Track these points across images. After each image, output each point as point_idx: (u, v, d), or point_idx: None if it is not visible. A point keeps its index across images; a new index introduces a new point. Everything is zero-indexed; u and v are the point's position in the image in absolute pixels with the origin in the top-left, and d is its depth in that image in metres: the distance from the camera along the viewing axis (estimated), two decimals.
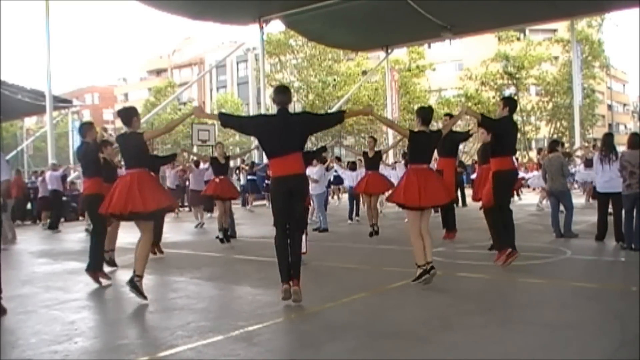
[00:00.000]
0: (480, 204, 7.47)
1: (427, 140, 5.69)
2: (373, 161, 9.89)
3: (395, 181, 16.40)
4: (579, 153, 14.45)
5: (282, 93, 5.13)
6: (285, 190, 4.92)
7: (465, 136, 8.77)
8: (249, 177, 18.14)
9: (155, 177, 5.68)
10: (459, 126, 15.73)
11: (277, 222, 5.03)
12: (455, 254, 7.54)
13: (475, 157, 9.99)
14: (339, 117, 5.34)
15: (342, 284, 5.92)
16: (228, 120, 5.27)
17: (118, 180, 5.57)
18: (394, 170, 15.65)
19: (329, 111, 30.28)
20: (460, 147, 10.15)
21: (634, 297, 4.90)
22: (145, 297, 5.29)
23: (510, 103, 6.58)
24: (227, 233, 9.53)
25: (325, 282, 5.97)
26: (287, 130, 4.92)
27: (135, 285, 5.30)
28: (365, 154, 10.04)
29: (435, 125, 6.13)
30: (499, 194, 6.44)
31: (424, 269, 5.45)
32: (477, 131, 7.95)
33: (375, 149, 10.08)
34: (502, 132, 6.41)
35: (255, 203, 18.40)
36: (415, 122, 5.86)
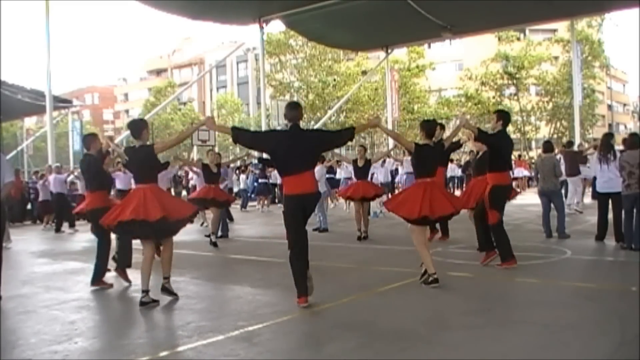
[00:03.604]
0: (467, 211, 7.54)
1: (432, 153, 5.80)
2: (363, 170, 9.82)
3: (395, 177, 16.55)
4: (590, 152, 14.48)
5: (294, 109, 5.10)
6: (300, 208, 4.95)
7: (455, 146, 8.81)
8: (260, 180, 18.14)
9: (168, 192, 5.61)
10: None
11: (293, 241, 4.98)
12: (454, 254, 7.54)
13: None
14: (350, 134, 5.33)
15: (342, 284, 5.92)
16: (240, 135, 5.11)
17: (131, 194, 5.35)
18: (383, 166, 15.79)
19: (329, 111, 30.37)
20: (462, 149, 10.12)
21: (634, 297, 4.90)
22: (157, 302, 5.21)
23: (503, 116, 6.66)
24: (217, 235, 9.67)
25: (325, 282, 5.95)
26: (301, 148, 4.92)
27: (147, 301, 5.19)
28: (355, 162, 9.93)
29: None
30: (495, 208, 6.48)
31: (435, 277, 5.50)
32: (467, 140, 8.04)
33: (366, 156, 9.98)
34: (498, 145, 6.49)
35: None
36: (420, 135, 5.95)
